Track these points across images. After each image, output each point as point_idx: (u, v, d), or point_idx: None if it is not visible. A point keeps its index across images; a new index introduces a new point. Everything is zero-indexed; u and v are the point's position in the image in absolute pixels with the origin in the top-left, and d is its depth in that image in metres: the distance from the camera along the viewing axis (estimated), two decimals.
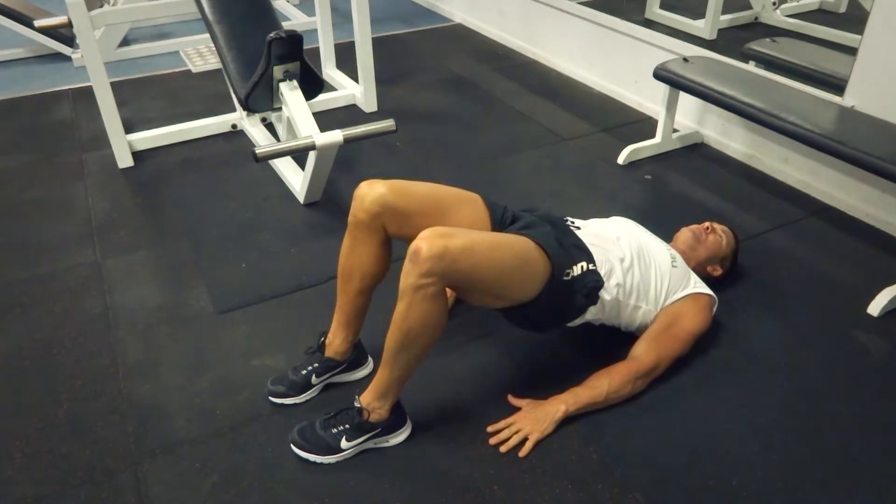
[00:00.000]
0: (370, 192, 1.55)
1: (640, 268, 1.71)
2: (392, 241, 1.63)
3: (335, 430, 1.52)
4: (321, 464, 1.52)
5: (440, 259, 1.34)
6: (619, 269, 1.66)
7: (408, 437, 1.59)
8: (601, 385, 1.62)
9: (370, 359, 1.77)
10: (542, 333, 1.82)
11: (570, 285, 1.57)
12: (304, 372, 1.68)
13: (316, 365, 1.69)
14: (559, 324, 1.69)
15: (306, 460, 1.53)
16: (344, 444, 1.52)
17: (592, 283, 1.60)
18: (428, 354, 1.49)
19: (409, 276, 1.36)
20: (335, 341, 1.68)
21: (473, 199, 1.68)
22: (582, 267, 1.59)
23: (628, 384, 1.64)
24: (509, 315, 1.64)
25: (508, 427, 1.59)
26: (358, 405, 1.52)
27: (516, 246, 1.53)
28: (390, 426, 1.55)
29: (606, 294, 1.64)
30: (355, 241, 1.60)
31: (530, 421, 1.59)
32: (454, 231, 1.41)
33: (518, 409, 1.64)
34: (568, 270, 1.57)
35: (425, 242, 1.35)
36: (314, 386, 1.69)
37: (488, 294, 1.51)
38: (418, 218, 1.55)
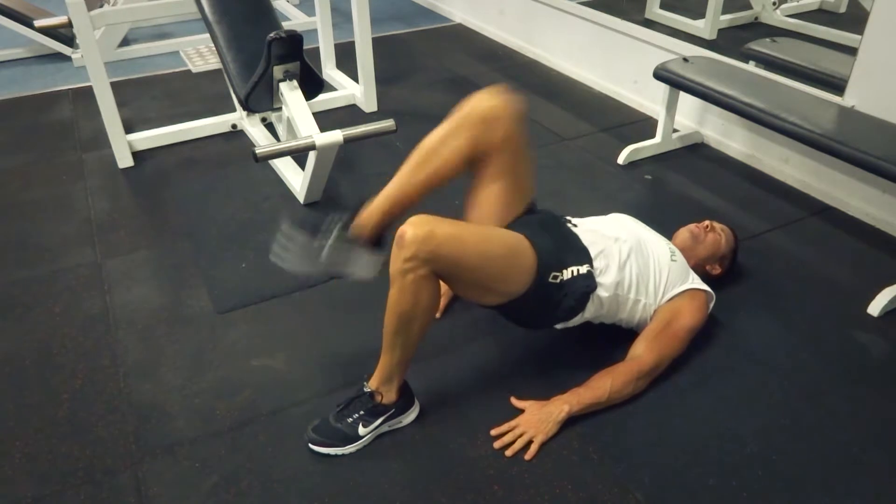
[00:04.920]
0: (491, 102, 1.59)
1: (639, 261, 1.71)
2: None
3: (350, 420, 1.54)
4: (343, 455, 1.54)
5: (425, 243, 1.37)
6: (615, 264, 1.67)
7: (410, 437, 1.59)
8: (604, 385, 1.62)
9: None
10: (535, 330, 1.83)
11: (559, 288, 1.59)
12: None
13: None
14: (550, 323, 1.70)
15: (328, 455, 1.55)
16: (361, 430, 1.54)
17: (583, 288, 1.61)
18: (428, 337, 1.53)
19: (396, 260, 1.40)
20: (369, 223, 1.57)
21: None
22: (573, 272, 1.60)
23: (630, 384, 1.64)
24: (501, 310, 1.65)
25: (512, 430, 1.59)
26: (368, 390, 1.55)
27: (507, 238, 1.54)
28: (402, 406, 1.59)
29: (604, 291, 1.64)
30: (450, 136, 1.57)
31: (534, 423, 1.59)
32: (443, 219, 1.43)
33: (520, 410, 1.64)
34: (556, 273, 1.58)
35: (411, 227, 1.38)
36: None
37: (476, 286, 1.53)
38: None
